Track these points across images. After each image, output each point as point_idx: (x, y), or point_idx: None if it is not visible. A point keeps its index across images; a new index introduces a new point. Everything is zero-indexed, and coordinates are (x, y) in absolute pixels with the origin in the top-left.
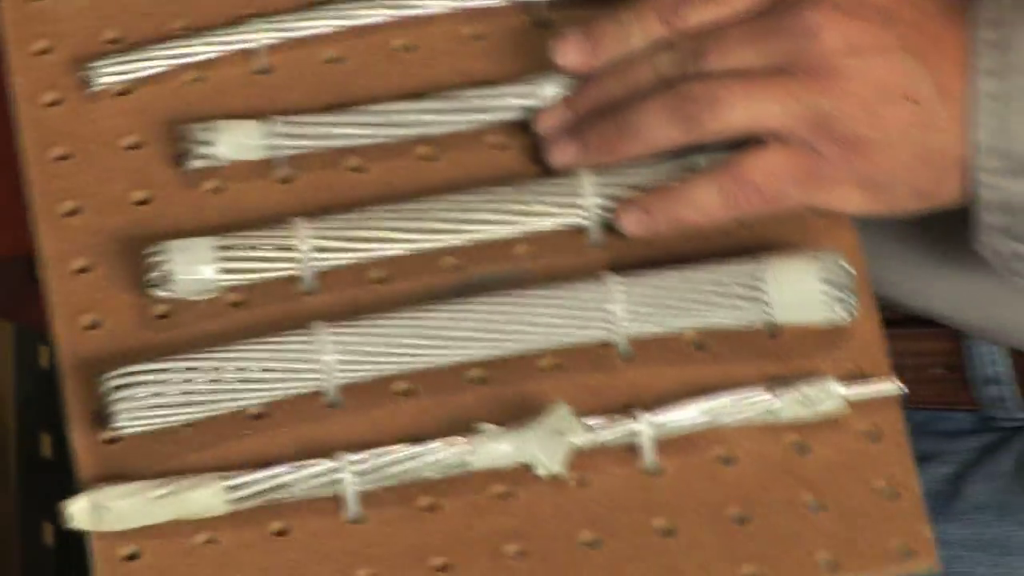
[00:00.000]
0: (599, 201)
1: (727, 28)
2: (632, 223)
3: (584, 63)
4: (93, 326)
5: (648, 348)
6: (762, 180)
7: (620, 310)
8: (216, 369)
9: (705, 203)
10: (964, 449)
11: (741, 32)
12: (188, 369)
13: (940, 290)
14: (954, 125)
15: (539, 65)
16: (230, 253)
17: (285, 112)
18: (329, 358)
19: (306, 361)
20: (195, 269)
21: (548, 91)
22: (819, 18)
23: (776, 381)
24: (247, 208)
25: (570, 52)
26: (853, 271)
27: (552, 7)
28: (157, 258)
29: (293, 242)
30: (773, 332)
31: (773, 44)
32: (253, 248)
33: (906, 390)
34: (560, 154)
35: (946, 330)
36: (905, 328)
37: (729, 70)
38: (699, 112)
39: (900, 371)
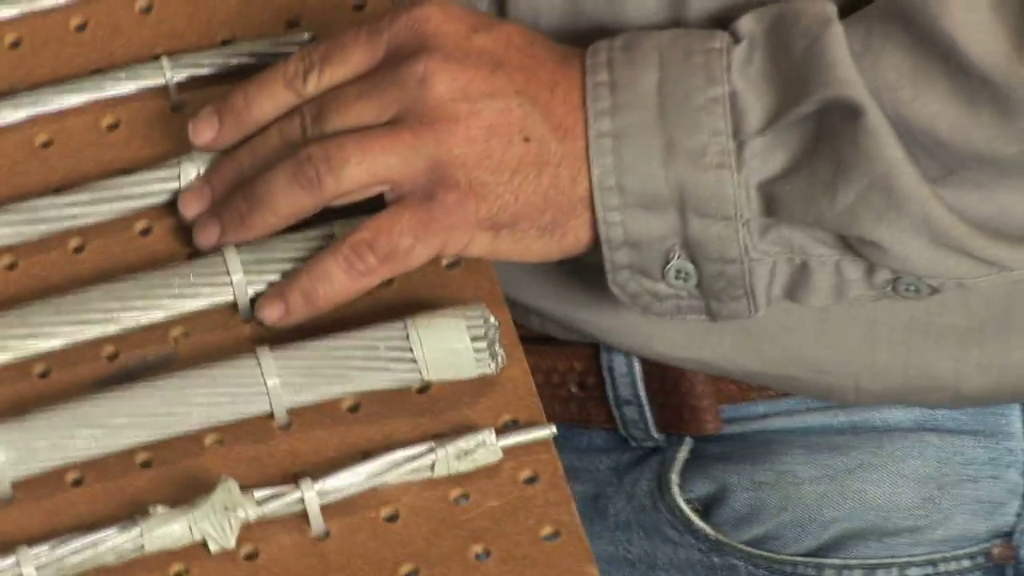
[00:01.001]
0: (246, 277)
1: (345, 87)
2: (271, 313)
3: (217, 140)
4: None
5: (307, 416)
6: (374, 240)
7: (276, 383)
8: None
9: (332, 278)
10: (601, 468)
11: (357, 89)
12: None
13: (579, 297)
14: (575, 162)
15: (178, 147)
16: None
17: None
18: None
19: None
20: None
21: (189, 172)
22: (429, 67)
23: (433, 437)
24: None
25: (202, 131)
26: (497, 323)
27: (183, 90)
28: None
29: None
30: (426, 389)
31: (387, 97)
32: None
33: (555, 432)
34: (203, 236)
35: (582, 349)
36: (541, 345)
37: (348, 128)
38: (318, 174)
39: (536, 388)
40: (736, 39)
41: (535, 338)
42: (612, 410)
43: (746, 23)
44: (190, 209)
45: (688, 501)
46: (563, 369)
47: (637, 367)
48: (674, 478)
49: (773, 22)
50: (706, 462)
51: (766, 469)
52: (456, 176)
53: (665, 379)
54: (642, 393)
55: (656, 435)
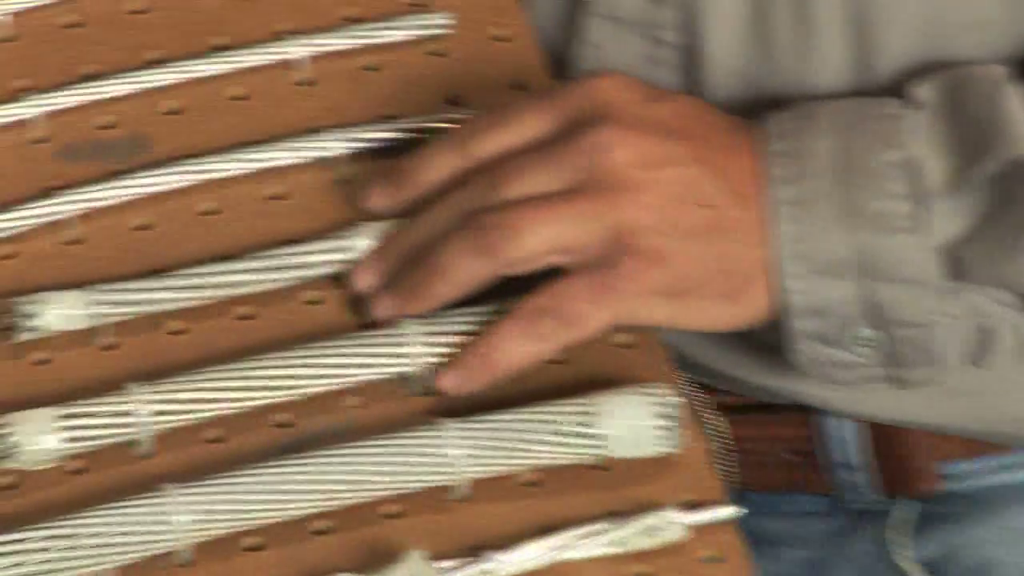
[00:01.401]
0: (425, 349)
1: (521, 154)
2: (450, 381)
3: (388, 204)
4: None
5: (485, 488)
6: (555, 306)
7: (459, 454)
8: (72, 536)
9: (511, 346)
10: (816, 532)
11: (534, 157)
12: (45, 538)
13: (786, 366)
14: (753, 229)
15: (343, 219)
16: (72, 422)
17: (98, 280)
18: (181, 519)
19: (159, 523)
20: (39, 439)
21: (360, 244)
22: (609, 135)
23: (611, 513)
24: (77, 377)
25: (374, 195)
26: (677, 401)
27: (352, 162)
28: (1, 431)
29: (131, 407)
30: (604, 465)
31: (566, 165)
32: (93, 416)
33: (742, 511)
34: (380, 307)
35: (795, 415)
36: (751, 414)
37: (524, 196)
38: (497, 242)
39: (746, 455)
40: (911, 104)
41: (741, 407)
42: (826, 475)
43: (920, 88)
44: (363, 280)
45: (916, 562)
46: (773, 436)
47: (853, 430)
48: (900, 539)
49: (947, 86)
50: (932, 521)
51: (993, 526)
52: (634, 243)
53: (883, 441)
54: (859, 456)
55: (872, 497)
